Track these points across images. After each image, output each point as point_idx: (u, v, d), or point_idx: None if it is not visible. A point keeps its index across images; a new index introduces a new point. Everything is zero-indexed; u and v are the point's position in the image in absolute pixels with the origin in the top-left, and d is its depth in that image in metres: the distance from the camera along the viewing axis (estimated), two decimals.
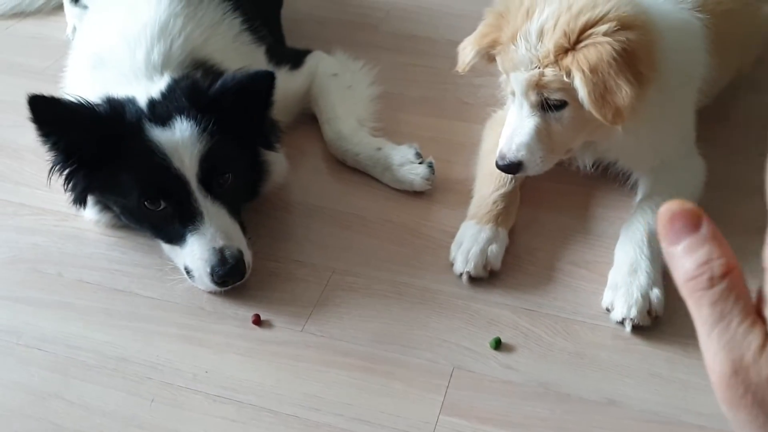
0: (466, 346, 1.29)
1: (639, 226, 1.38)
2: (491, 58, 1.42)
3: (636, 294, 1.29)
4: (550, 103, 1.34)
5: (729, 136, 1.70)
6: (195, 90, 1.37)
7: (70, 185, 1.40)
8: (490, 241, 1.41)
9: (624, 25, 1.26)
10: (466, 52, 1.42)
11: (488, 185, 1.49)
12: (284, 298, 1.39)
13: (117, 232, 1.52)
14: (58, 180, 1.39)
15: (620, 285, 1.32)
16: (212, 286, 1.36)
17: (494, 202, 1.46)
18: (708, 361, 0.44)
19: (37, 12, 2.26)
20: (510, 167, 1.40)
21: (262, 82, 1.38)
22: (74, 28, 2.10)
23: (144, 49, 1.46)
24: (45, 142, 1.34)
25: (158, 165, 1.32)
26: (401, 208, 1.56)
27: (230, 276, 1.35)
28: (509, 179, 1.48)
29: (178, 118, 1.33)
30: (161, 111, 1.35)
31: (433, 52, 2.02)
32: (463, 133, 1.73)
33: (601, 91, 1.24)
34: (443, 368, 1.26)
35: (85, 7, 1.99)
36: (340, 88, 1.81)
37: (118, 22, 1.54)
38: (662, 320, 1.30)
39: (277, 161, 1.55)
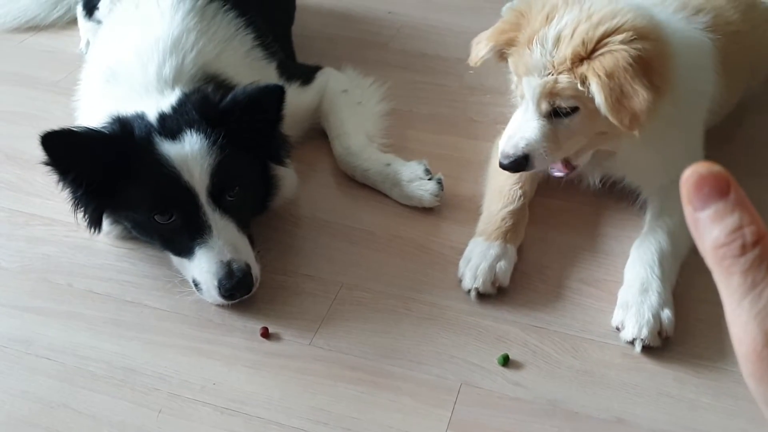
0: (474, 363, 1.29)
1: (650, 246, 1.38)
2: (503, 57, 1.42)
3: (647, 314, 1.29)
4: (560, 111, 1.34)
5: (735, 157, 1.70)
6: (205, 103, 1.37)
7: (83, 208, 1.40)
8: (498, 258, 1.41)
9: (640, 35, 1.27)
10: (480, 47, 1.42)
11: (497, 202, 1.50)
12: (292, 311, 1.39)
13: (127, 243, 1.53)
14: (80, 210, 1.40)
15: (631, 304, 1.31)
16: (219, 299, 1.36)
17: (503, 219, 1.46)
18: (737, 333, 0.42)
19: (51, 26, 2.29)
20: (516, 163, 1.38)
21: (272, 96, 1.39)
22: (88, 43, 2.12)
23: (156, 63, 1.48)
24: (63, 179, 1.34)
25: (168, 178, 1.32)
26: (410, 223, 1.57)
27: (237, 289, 1.35)
28: (518, 196, 1.48)
29: (188, 132, 1.34)
30: (171, 125, 1.36)
31: (443, 69, 2.04)
32: (472, 150, 1.74)
33: (618, 96, 1.24)
34: (451, 384, 1.26)
35: (99, 21, 2.02)
36: (349, 104, 1.82)
37: (132, 36, 1.56)
38: (671, 340, 1.30)
39: (287, 176, 1.56)
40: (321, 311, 1.39)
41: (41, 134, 1.26)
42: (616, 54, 1.24)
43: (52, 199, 1.60)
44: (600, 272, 1.45)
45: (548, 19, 1.32)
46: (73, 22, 2.23)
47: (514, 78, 1.43)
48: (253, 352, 1.32)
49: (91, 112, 1.51)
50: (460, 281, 1.42)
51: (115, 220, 1.47)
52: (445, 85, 1.97)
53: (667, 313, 1.30)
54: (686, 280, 1.38)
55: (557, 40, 1.29)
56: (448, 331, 1.35)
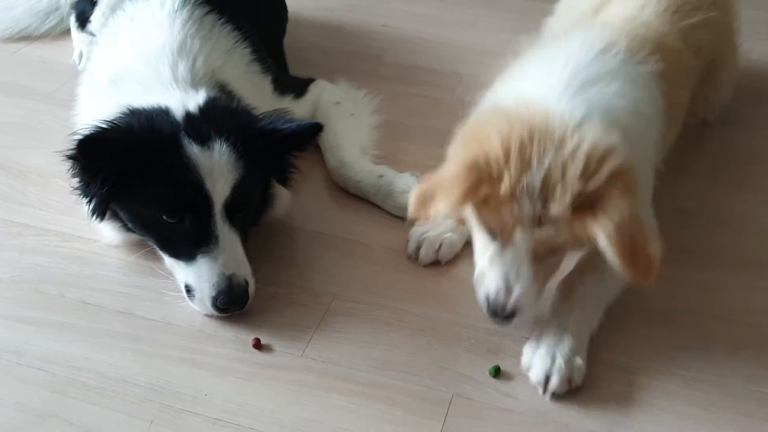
0: (466, 374, 1.30)
1: (576, 286, 1.35)
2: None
3: (559, 360, 1.25)
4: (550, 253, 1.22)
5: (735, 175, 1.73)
6: (243, 118, 1.39)
7: (95, 200, 1.37)
8: (447, 231, 1.50)
9: (620, 162, 1.15)
10: (441, 206, 1.18)
11: None
12: (285, 322, 1.39)
13: (120, 254, 1.52)
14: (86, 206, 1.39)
15: (543, 343, 1.28)
16: (211, 311, 1.36)
17: None
18: None
19: (44, 36, 2.30)
20: (508, 317, 1.24)
21: (312, 134, 1.44)
22: (81, 54, 2.12)
23: (168, 64, 1.48)
24: (92, 180, 1.33)
25: (190, 181, 1.32)
26: (402, 235, 1.57)
27: (233, 304, 1.36)
28: None
29: (218, 140, 1.34)
30: (200, 128, 1.35)
31: (435, 82, 2.06)
32: None
33: (630, 249, 1.11)
34: (443, 395, 1.26)
35: (92, 34, 2.02)
36: (342, 116, 1.83)
37: (133, 45, 1.56)
38: (660, 353, 1.32)
39: (283, 195, 1.55)
40: (313, 322, 1.39)
41: (79, 139, 1.26)
42: (619, 203, 1.11)
43: (45, 209, 1.61)
44: None
45: (523, 167, 1.14)
46: (67, 32, 2.24)
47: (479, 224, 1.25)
48: (245, 363, 1.32)
49: (95, 112, 1.46)
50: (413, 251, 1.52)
51: (116, 212, 1.43)
52: (438, 97, 1.98)
53: (578, 361, 1.26)
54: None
55: (545, 188, 1.13)
56: (440, 342, 1.35)
